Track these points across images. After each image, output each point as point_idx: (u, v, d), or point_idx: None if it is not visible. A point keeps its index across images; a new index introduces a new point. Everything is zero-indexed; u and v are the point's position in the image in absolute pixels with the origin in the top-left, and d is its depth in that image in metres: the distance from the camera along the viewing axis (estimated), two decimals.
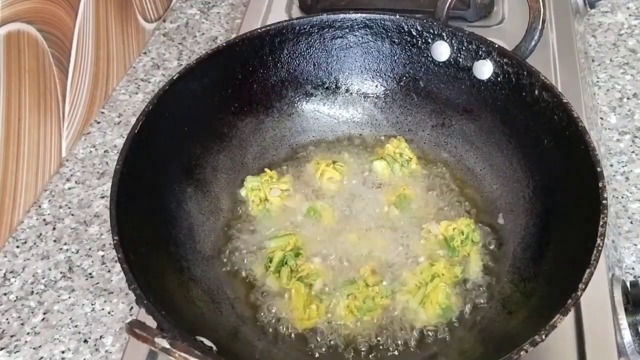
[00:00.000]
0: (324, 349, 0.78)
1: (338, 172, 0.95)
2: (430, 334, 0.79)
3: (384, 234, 0.88)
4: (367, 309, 0.79)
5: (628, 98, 1.16)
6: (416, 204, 0.92)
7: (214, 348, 0.61)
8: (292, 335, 0.79)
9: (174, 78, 0.83)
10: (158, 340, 0.51)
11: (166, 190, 0.84)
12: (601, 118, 1.13)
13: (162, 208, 0.82)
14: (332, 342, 0.78)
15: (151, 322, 0.59)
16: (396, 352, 0.78)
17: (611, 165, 1.05)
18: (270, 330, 0.80)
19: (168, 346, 0.50)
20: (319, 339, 0.79)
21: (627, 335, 0.79)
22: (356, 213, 0.91)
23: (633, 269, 0.92)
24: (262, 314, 0.81)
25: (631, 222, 0.97)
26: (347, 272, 0.84)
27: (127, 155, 0.75)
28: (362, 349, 0.78)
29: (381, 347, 0.78)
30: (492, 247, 0.87)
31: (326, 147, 1.00)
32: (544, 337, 0.60)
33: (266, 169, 0.94)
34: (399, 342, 0.78)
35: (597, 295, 0.82)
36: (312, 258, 0.86)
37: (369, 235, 0.88)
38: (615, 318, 0.81)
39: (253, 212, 0.91)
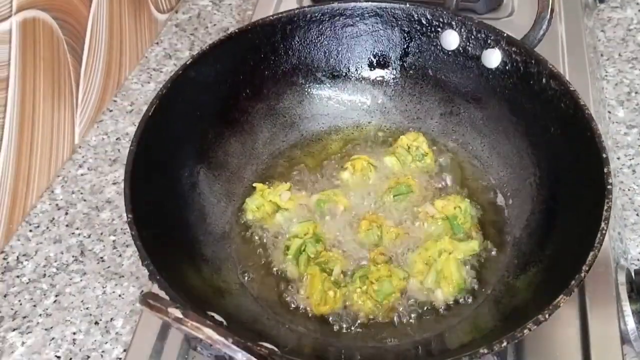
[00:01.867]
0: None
1: (350, 164, 0.95)
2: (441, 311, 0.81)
3: (391, 221, 0.89)
4: (385, 292, 0.80)
5: (636, 92, 1.17)
6: (417, 192, 0.93)
7: (224, 323, 0.62)
8: (304, 316, 0.81)
9: (188, 63, 0.85)
10: (171, 310, 0.52)
11: (178, 173, 0.85)
12: (609, 112, 1.13)
13: (173, 189, 0.84)
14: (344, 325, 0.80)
15: None
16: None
17: (618, 159, 1.06)
18: (280, 310, 0.81)
19: (181, 316, 0.51)
20: (333, 320, 0.81)
21: (630, 323, 0.80)
22: (365, 202, 0.92)
23: (639, 260, 0.93)
24: (272, 294, 0.83)
25: (637, 215, 0.98)
26: (360, 259, 0.86)
27: (141, 137, 0.76)
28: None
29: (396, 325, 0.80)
30: (497, 232, 0.88)
31: (335, 134, 1.02)
32: (547, 316, 0.61)
33: (254, 184, 0.93)
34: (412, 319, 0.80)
35: (601, 283, 0.83)
36: (329, 246, 0.87)
37: (378, 222, 0.88)
38: (619, 305, 0.81)
39: (270, 224, 0.90)
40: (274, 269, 0.85)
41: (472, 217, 0.88)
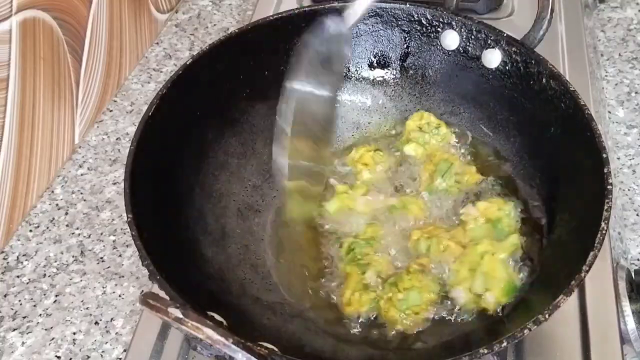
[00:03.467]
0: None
1: (373, 161, 0.95)
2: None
3: (440, 228, 0.87)
4: (411, 302, 0.77)
5: (636, 92, 1.17)
6: (456, 163, 0.92)
7: (224, 323, 0.62)
8: (298, 315, 0.81)
9: (188, 63, 0.85)
10: (171, 310, 0.52)
11: (178, 172, 0.85)
12: (609, 112, 1.13)
13: (173, 189, 0.83)
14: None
15: None
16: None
17: (618, 159, 1.06)
18: (279, 309, 0.81)
19: (181, 316, 0.51)
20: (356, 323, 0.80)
21: (630, 323, 0.80)
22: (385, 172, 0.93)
23: (639, 260, 0.92)
24: (272, 294, 0.83)
25: (637, 215, 0.98)
26: (402, 268, 0.84)
27: (140, 137, 0.76)
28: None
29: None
30: None
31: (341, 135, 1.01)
32: (547, 316, 0.61)
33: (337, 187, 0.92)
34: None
35: (601, 283, 0.83)
36: (379, 250, 0.85)
37: (431, 233, 0.85)
38: (619, 305, 0.81)
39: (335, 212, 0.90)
40: (268, 265, 0.86)
41: (516, 221, 0.84)
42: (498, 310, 0.77)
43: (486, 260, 0.79)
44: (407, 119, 0.98)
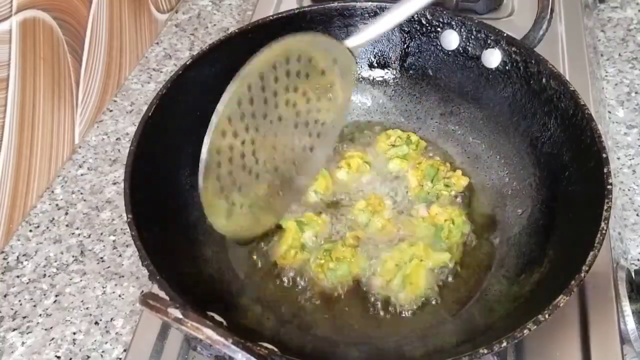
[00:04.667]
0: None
1: (344, 162, 0.96)
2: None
3: (387, 210, 0.90)
4: (338, 274, 0.81)
5: (636, 92, 1.17)
6: (441, 165, 0.94)
7: (224, 323, 0.62)
8: (301, 312, 0.81)
9: (188, 63, 0.85)
10: (171, 310, 0.52)
11: (178, 173, 0.85)
12: (609, 112, 1.13)
13: (173, 189, 0.84)
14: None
15: None
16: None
17: (618, 159, 1.06)
18: (279, 309, 0.81)
19: (181, 316, 0.51)
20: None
21: (630, 323, 0.80)
22: (370, 183, 0.94)
23: (639, 260, 0.92)
24: (272, 293, 0.83)
25: (637, 215, 0.98)
26: (340, 234, 0.87)
27: (141, 136, 0.76)
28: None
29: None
30: (495, 232, 0.88)
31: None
32: (547, 316, 0.61)
33: None
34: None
35: (601, 283, 0.83)
36: (324, 208, 0.89)
37: (376, 208, 0.89)
38: (619, 305, 0.81)
39: None
40: (268, 264, 0.86)
41: (462, 234, 0.88)
42: (405, 309, 0.81)
43: (413, 264, 0.82)
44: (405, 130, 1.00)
